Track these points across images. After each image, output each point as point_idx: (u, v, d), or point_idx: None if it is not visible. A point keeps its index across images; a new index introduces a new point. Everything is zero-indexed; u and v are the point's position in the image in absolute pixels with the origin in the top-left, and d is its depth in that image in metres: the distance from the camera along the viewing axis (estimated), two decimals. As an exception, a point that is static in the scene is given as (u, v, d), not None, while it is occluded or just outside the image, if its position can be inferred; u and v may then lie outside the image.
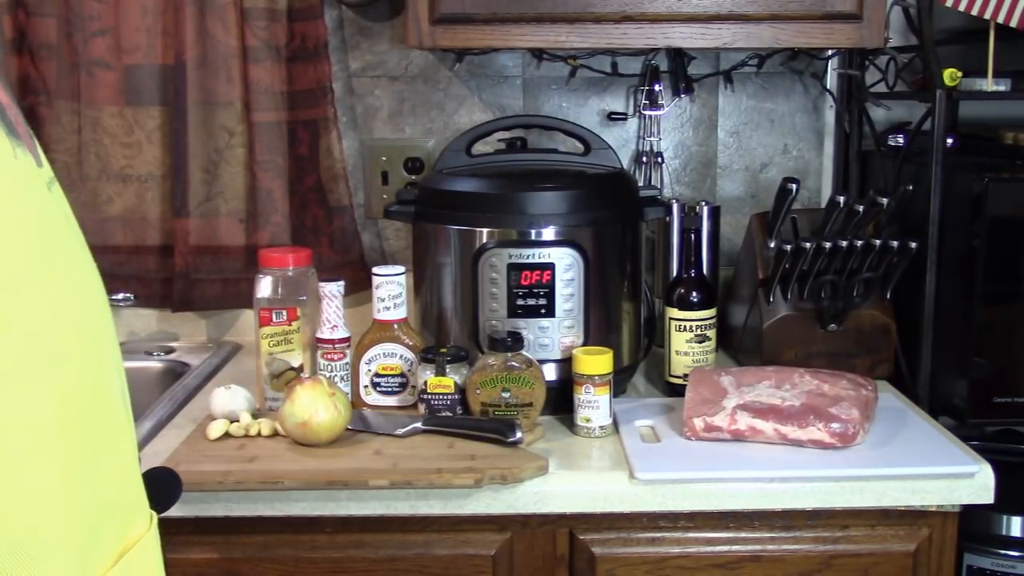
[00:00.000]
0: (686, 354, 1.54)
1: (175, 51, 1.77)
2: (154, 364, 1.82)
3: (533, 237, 1.44)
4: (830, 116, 1.91)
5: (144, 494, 0.65)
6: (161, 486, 0.69)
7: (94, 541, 0.55)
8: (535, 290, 1.44)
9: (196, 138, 1.79)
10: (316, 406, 1.31)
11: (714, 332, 1.56)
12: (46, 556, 0.51)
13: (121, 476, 0.60)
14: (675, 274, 1.67)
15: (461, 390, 1.41)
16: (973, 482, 1.28)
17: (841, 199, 1.50)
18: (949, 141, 1.55)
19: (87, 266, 0.60)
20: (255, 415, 1.42)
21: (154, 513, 0.66)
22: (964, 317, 1.52)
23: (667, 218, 1.75)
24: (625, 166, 1.75)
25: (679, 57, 1.86)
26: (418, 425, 1.38)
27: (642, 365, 1.65)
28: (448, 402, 1.41)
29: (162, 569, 0.66)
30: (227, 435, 1.37)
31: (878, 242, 1.51)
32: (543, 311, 1.44)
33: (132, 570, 0.59)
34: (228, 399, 1.41)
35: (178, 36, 1.76)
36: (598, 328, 1.47)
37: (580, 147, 1.60)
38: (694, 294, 1.54)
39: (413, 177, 1.89)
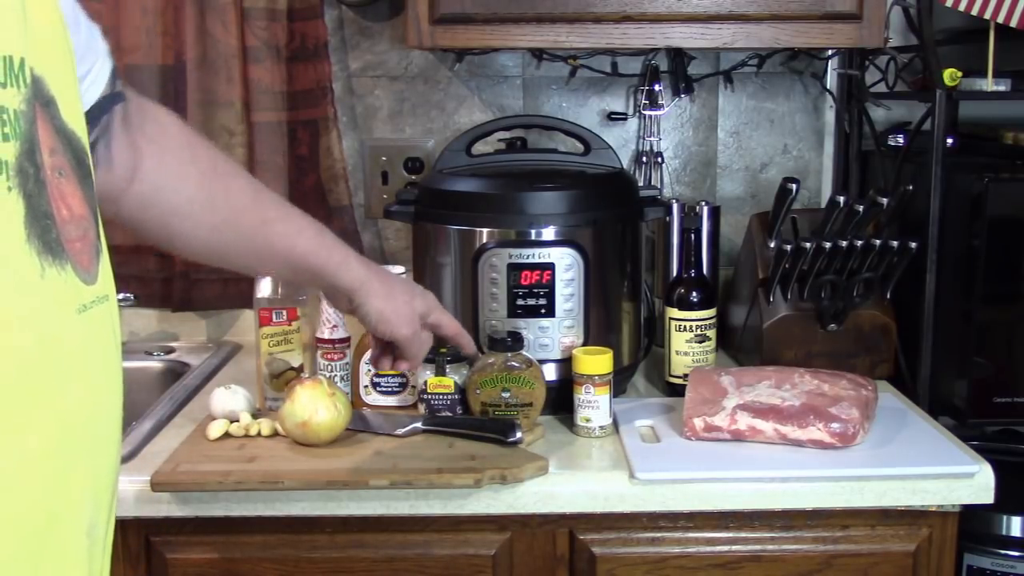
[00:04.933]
0: (686, 354, 1.54)
1: (175, 51, 1.77)
2: (154, 364, 1.82)
3: (533, 237, 1.44)
4: (830, 116, 1.91)
5: None
6: None
7: None
8: (535, 290, 1.44)
9: (196, 138, 1.79)
10: (316, 406, 1.31)
11: (714, 332, 1.56)
12: None
13: None
14: (675, 274, 1.67)
15: (461, 390, 1.41)
16: (973, 482, 1.28)
17: (841, 199, 1.50)
18: (949, 141, 1.55)
19: (91, 400, 0.60)
20: (255, 415, 1.42)
21: None
22: (964, 317, 1.52)
23: (667, 218, 1.75)
24: (625, 166, 1.75)
25: (679, 57, 1.86)
26: (418, 425, 1.38)
27: (642, 365, 1.65)
28: (448, 402, 1.41)
29: None
30: (227, 435, 1.37)
31: (878, 242, 1.51)
32: (543, 311, 1.44)
33: None
34: (228, 399, 1.41)
35: (178, 36, 1.76)
36: (598, 328, 1.47)
37: (580, 147, 1.60)
38: (694, 294, 1.54)
39: (413, 177, 1.89)
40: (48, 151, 0.58)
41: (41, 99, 0.58)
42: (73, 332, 0.59)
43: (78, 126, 0.63)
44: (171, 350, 1.85)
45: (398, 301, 1.17)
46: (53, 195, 0.58)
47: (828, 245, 1.51)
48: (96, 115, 0.85)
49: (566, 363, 1.44)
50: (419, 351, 1.21)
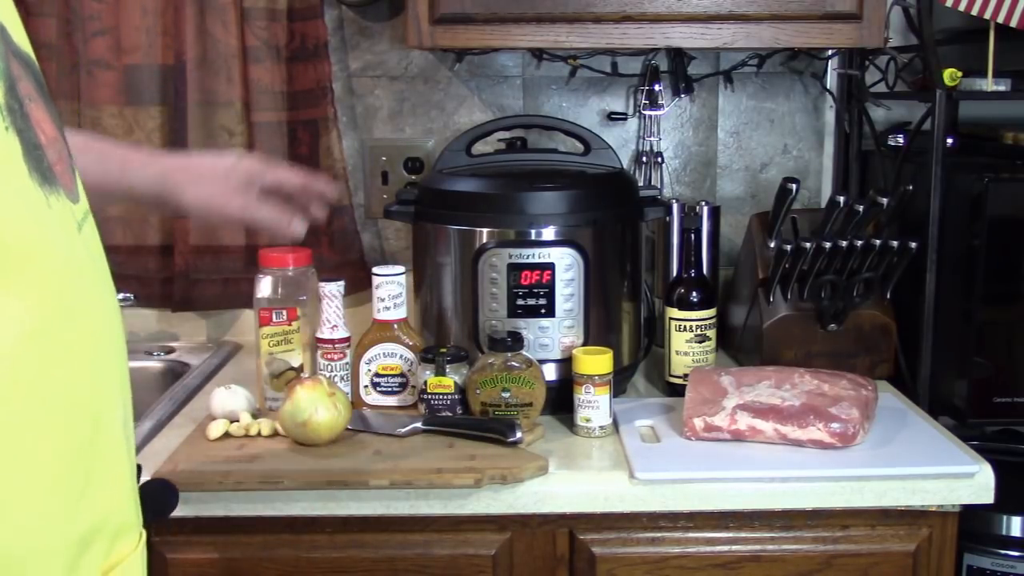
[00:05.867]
0: (686, 354, 1.54)
1: (175, 51, 1.77)
2: (154, 364, 1.82)
3: (533, 237, 1.44)
4: (830, 116, 1.91)
5: (137, 513, 0.67)
6: (158, 498, 0.74)
7: (81, 560, 0.58)
8: (535, 290, 1.44)
9: (196, 138, 1.79)
10: (316, 406, 1.31)
11: (714, 332, 1.56)
12: (33, 569, 0.54)
13: (113, 500, 0.63)
14: (675, 274, 1.67)
15: (461, 390, 1.41)
16: (973, 482, 1.28)
17: (841, 199, 1.50)
18: (949, 141, 1.55)
19: (104, 307, 0.63)
20: (255, 415, 1.42)
21: (144, 531, 0.69)
22: (964, 317, 1.52)
23: (667, 218, 1.75)
24: (625, 166, 1.75)
25: (679, 57, 1.86)
26: (418, 425, 1.38)
27: (642, 365, 1.65)
28: (448, 402, 1.41)
29: None
30: (227, 435, 1.37)
31: (878, 242, 1.51)
32: (543, 311, 1.44)
33: None
34: (228, 399, 1.41)
35: (178, 36, 1.76)
36: (598, 328, 1.47)
37: (580, 147, 1.60)
38: (694, 294, 1.54)
39: (413, 177, 1.89)
40: (19, 79, 0.58)
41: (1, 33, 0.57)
42: (80, 249, 0.61)
43: (27, 47, 0.63)
44: (171, 350, 1.85)
45: (210, 182, 1.09)
46: (35, 124, 0.59)
47: (828, 245, 1.51)
48: None
49: (566, 363, 1.44)
50: (266, 218, 1.14)
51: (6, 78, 0.56)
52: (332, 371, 1.47)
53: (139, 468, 0.74)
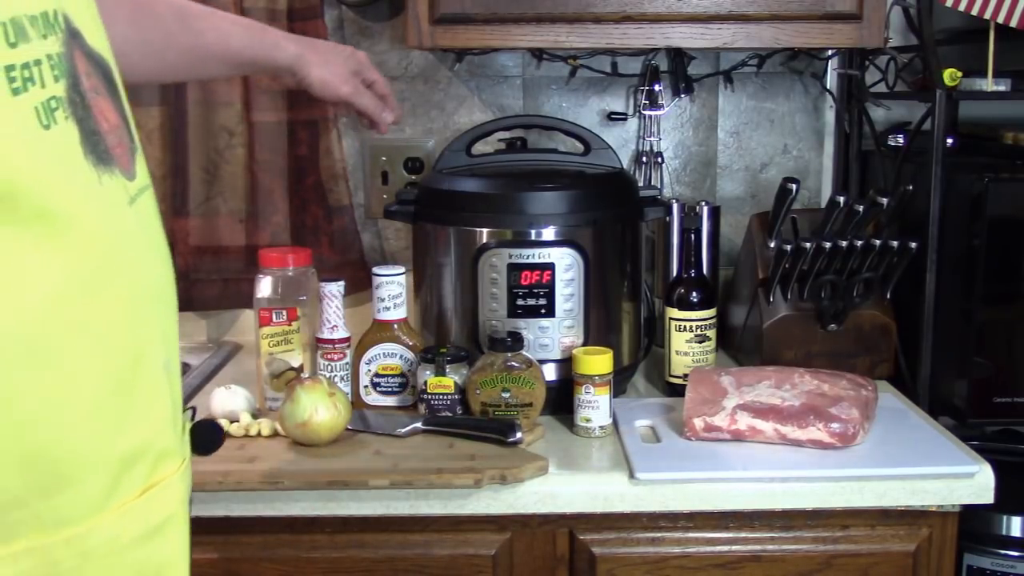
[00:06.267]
0: (686, 354, 1.54)
1: (175, 51, 1.77)
2: (154, 364, 1.82)
3: (533, 237, 1.44)
4: (830, 116, 1.91)
5: (180, 443, 0.79)
6: (207, 436, 0.87)
7: (124, 475, 0.70)
8: (535, 290, 1.44)
9: (196, 138, 1.79)
10: (316, 406, 1.31)
11: (714, 332, 1.56)
12: (82, 476, 0.67)
13: (154, 428, 0.74)
14: (675, 274, 1.67)
15: (461, 390, 1.41)
16: (973, 482, 1.28)
17: (841, 199, 1.50)
18: (949, 141, 1.55)
19: (150, 269, 0.77)
20: (255, 415, 1.42)
21: (187, 457, 0.80)
22: (964, 317, 1.52)
23: (667, 218, 1.75)
24: (625, 166, 1.75)
25: (679, 57, 1.86)
26: (418, 425, 1.38)
27: (642, 365, 1.65)
28: (448, 402, 1.41)
29: (185, 504, 0.78)
30: (227, 435, 1.37)
31: (878, 242, 1.51)
32: (543, 311, 1.44)
33: (154, 501, 0.73)
34: (228, 399, 1.41)
35: (178, 36, 1.76)
36: (598, 328, 1.47)
37: (580, 147, 1.60)
38: (694, 294, 1.54)
39: (413, 177, 1.89)
40: (86, 76, 0.71)
41: (73, 36, 0.71)
42: (129, 220, 0.73)
43: (103, 48, 0.77)
44: (171, 350, 1.85)
45: (333, 64, 1.35)
46: (97, 113, 0.71)
47: (828, 245, 1.51)
48: None
49: (566, 363, 1.44)
50: (367, 104, 1.40)
51: (69, 76, 0.68)
52: (332, 371, 1.47)
53: (194, 410, 0.88)
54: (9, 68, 0.62)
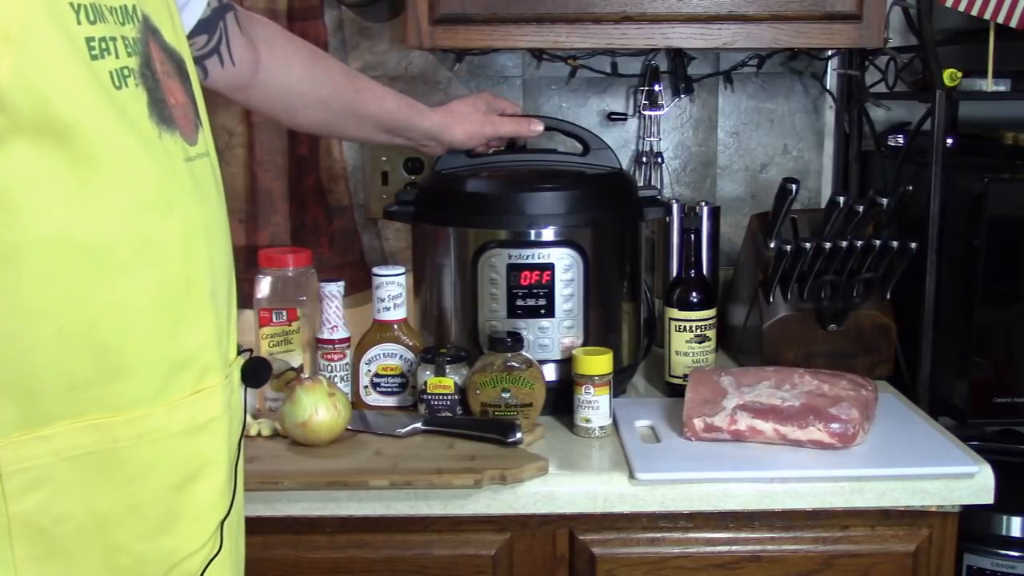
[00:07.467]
0: (686, 354, 1.54)
1: (175, 51, 1.77)
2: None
3: (532, 237, 1.44)
4: (830, 116, 1.91)
5: (222, 359, 0.91)
6: (259, 369, 0.98)
7: (175, 377, 0.84)
8: (535, 290, 1.44)
9: (196, 138, 1.79)
10: (316, 406, 1.31)
11: (714, 332, 1.56)
12: (139, 369, 0.81)
13: (200, 344, 0.87)
14: (675, 274, 1.68)
15: (461, 390, 1.41)
16: (973, 482, 1.28)
17: (841, 199, 1.50)
18: (949, 141, 1.55)
19: (200, 215, 0.88)
20: (255, 415, 1.42)
21: (230, 374, 0.92)
22: (964, 317, 1.52)
23: (667, 218, 1.75)
24: (625, 166, 1.75)
25: (679, 57, 1.86)
26: (418, 425, 1.38)
27: (642, 365, 1.65)
28: (448, 402, 1.41)
29: (227, 412, 0.90)
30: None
31: (878, 242, 1.51)
32: (543, 311, 1.44)
33: (200, 404, 0.86)
34: (228, 399, 1.41)
35: (178, 36, 1.76)
36: (598, 328, 1.47)
37: (579, 147, 1.60)
38: (694, 294, 1.54)
39: (413, 177, 1.89)
40: (159, 62, 0.86)
41: (150, 29, 0.86)
42: (184, 172, 0.86)
43: (179, 45, 0.92)
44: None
45: (470, 119, 1.51)
46: (166, 89, 0.86)
47: (828, 245, 1.51)
48: (213, 24, 1.19)
49: (566, 363, 1.44)
50: (509, 130, 1.55)
51: (142, 55, 0.83)
52: (332, 371, 1.47)
53: (250, 351, 0.99)
54: (89, 39, 0.76)
